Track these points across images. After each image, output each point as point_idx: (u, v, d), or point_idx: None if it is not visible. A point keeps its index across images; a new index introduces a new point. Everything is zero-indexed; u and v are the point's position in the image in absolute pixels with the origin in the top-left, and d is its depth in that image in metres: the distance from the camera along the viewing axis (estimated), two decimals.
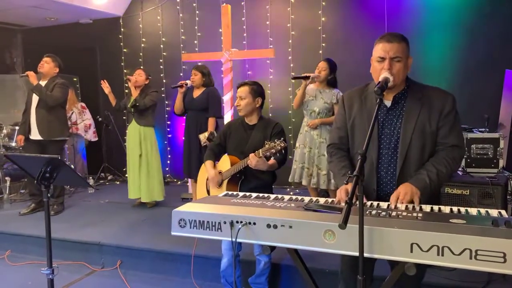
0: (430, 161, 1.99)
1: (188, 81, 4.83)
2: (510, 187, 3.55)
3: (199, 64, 5.06)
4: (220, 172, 3.03)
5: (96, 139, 6.83)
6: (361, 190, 1.51)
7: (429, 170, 1.94)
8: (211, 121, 4.66)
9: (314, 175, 4.27)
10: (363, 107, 2.08)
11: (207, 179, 3.20)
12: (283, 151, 2.60)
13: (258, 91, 2.99)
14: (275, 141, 2.59)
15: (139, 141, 5.02)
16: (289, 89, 5.89)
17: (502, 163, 3.56)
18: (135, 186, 5.09)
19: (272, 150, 2.57)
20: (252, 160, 2.66)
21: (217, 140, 3.16)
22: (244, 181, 2.93)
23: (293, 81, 4.17)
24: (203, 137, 4.55)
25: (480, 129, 3.83)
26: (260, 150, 2.63)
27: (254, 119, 3.01)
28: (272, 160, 2.78)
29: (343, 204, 1.92)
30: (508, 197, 3.45)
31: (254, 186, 2.88)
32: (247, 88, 2.97)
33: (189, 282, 3.38)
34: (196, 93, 4.77)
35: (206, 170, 3.10)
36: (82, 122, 6.55)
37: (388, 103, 2.04)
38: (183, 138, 4.99)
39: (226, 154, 3.04)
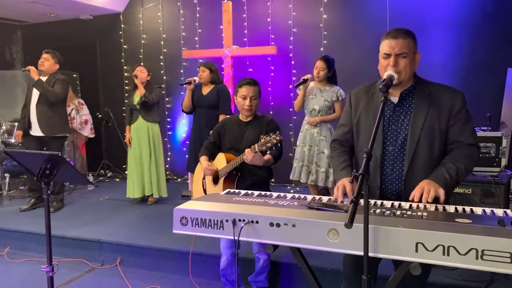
0: (448, 158, 1.95)
1: (196, 78, 4.78)
2: None
3: (206, 61, 5.00)
4: (216, 170, 3.00)
5: (93, 136, 6.80)
6: (366, 189, 1.49)
7: (448, 167, 1.89)
8: (222, 118, 4.64)
9: (313, 172, 4.27)
10: (370, 103, 2.06)
11: (203, 178, 3.17)
12: (279, 145, 2.56)
13: (261, 90, 2.99)
14: (271, 134, 2.56)
15: (148, 138, 5.01)
16: (290, 86, 5.86)
17: (504, 162, 3.54)
18: (139, 184, 5.07)
19: (268, 144, 2.53)
20: (248, 155, 2.62)
21: (212, 138, 3.10)
22: (240, 178, 2.90)
23: (296, 89, 4.28)
24: None
25: (482, 128, 3.80)
26: (256, 144, 2.59)
27: (250, 116, 2.98)
28: (267, 156, 2.75)
29: (339, 201, 1.91)
30: (510, 196, 3.43)
31: (251, 183, 2.85)
32: (256, 88, 2.92)
33: (188, 280, 3.37)
34: (206, 90, 4.72)
35: (201, 164, 3.07)
36: (79, 118, 6.53)
37: (395, 99, 2.01)
38: (190, 135, 4.95)
39: (221, 152, 3.00)
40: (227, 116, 4.70)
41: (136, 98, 4.99)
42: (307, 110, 4.35)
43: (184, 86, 4.80)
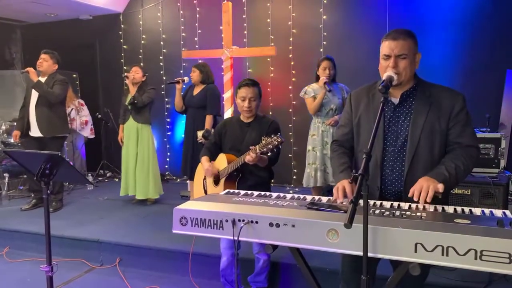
0: (447, 157, 1.96)
1: (186, 78, 4.85)
2: (511, 187, 3.54)
3: (202, 62, 5.05)
4: (217, 171, 3.00)
5: (93, 136, 6.80)
6: (365, 190, 1.49)
7: (447, 165, 1.89)
8: (208, 119, 4.66)
9: None
10: (370, 104, 2.07)
11: (204, 179, 3.17)
12: (279, 147, 2.57)
13: (261, 91, 2.98)
14: (272, 136, 2.56)
15: (136, 138, 5.02)
16: (290, 87, 5.86)
17: (503, 163, 3.54)
18: (127, 183, 5.10)
19: (269, 146, 2.53)
20: (250, 156, 2.63)
21: (213, 139, 3.10)
22: (241, 178, 2.90)
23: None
24: (200, 134, 4.55)
25: (481, 129, 3.81)
26: (257, 146, 2.59)
27: (250, 117, 2.98)
28: (264, 156, 2.74)
29: (339, 201, 1.90)
30: (509, 197, 3.44)
31: (252, 183, 2.85)
32: (256, 89, 2.90)
33: (188, 280, 3.37)
34: (196, 90, 4.78)
35: (202, 164, 3.07)
36: (79, 119, 6.53)
37: (395, 100, 2.02)
38: (183, 135, 4.98)
39: (222, 153, 3.00)
40: (215, 116, 4.72)
41: (128, 98, 5.00)
42: (321, 112, 4.34)
43: (175, 85, 4.84)
